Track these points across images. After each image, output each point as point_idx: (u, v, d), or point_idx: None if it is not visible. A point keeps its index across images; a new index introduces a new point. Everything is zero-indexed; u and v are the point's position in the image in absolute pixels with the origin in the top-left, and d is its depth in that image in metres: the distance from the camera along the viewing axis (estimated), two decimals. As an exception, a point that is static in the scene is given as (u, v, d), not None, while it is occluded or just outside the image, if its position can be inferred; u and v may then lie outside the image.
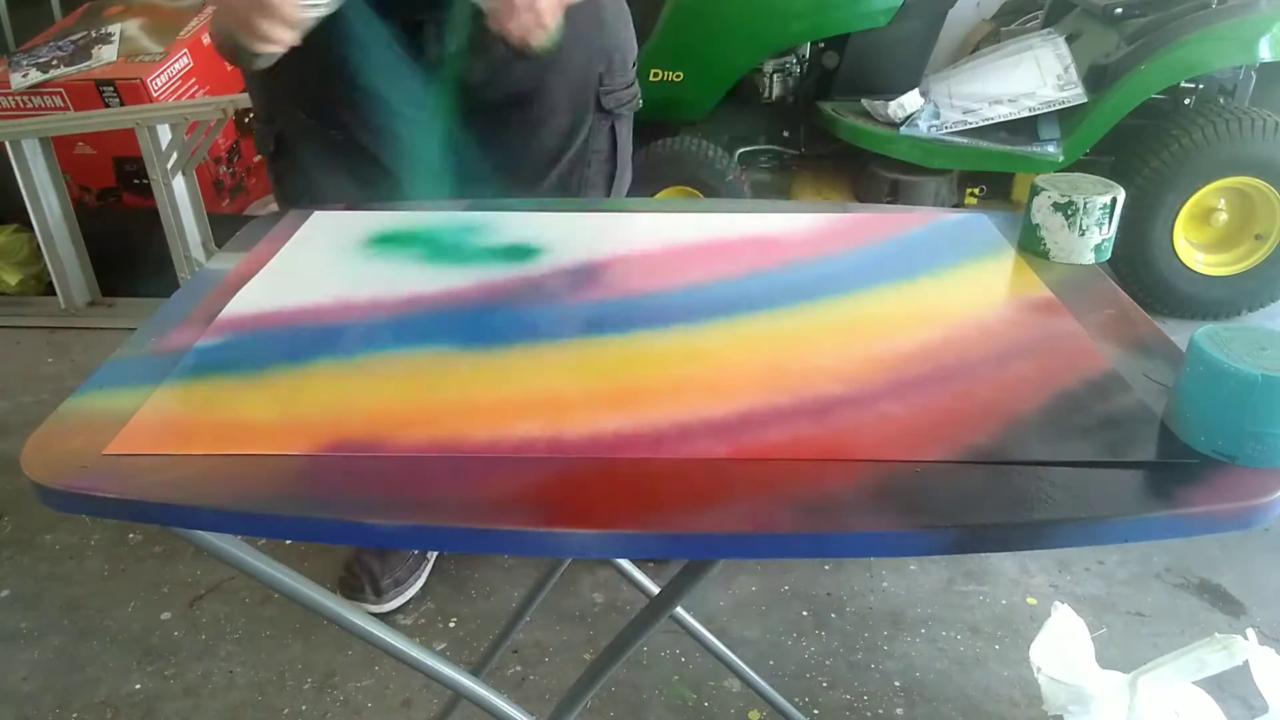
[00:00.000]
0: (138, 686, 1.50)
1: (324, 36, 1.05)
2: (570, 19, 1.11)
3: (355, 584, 1.61)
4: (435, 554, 1.72)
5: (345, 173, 1.22)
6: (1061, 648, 1.28)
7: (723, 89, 2.80)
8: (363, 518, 0.54)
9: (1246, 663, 1.15)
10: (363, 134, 1.20)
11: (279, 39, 0.94)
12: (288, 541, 1.75)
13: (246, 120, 3.10)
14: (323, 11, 0.95)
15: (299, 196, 1.21)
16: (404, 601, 1.64)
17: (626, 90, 1.31)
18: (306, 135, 1.24)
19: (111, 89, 2.74)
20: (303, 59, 0.99)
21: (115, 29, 2.91)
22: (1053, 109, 2.52)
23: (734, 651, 1.30)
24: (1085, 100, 2.49)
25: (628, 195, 1.40)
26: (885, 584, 1.68)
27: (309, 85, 1.17)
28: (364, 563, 1.63)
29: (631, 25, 1.33)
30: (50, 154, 2.53)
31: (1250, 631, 1.17)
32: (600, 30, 1.25)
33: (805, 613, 1.62)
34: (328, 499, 0.56)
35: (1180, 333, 2.30)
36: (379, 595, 1.61)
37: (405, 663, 0.75)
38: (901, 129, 2.58)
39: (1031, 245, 0.89)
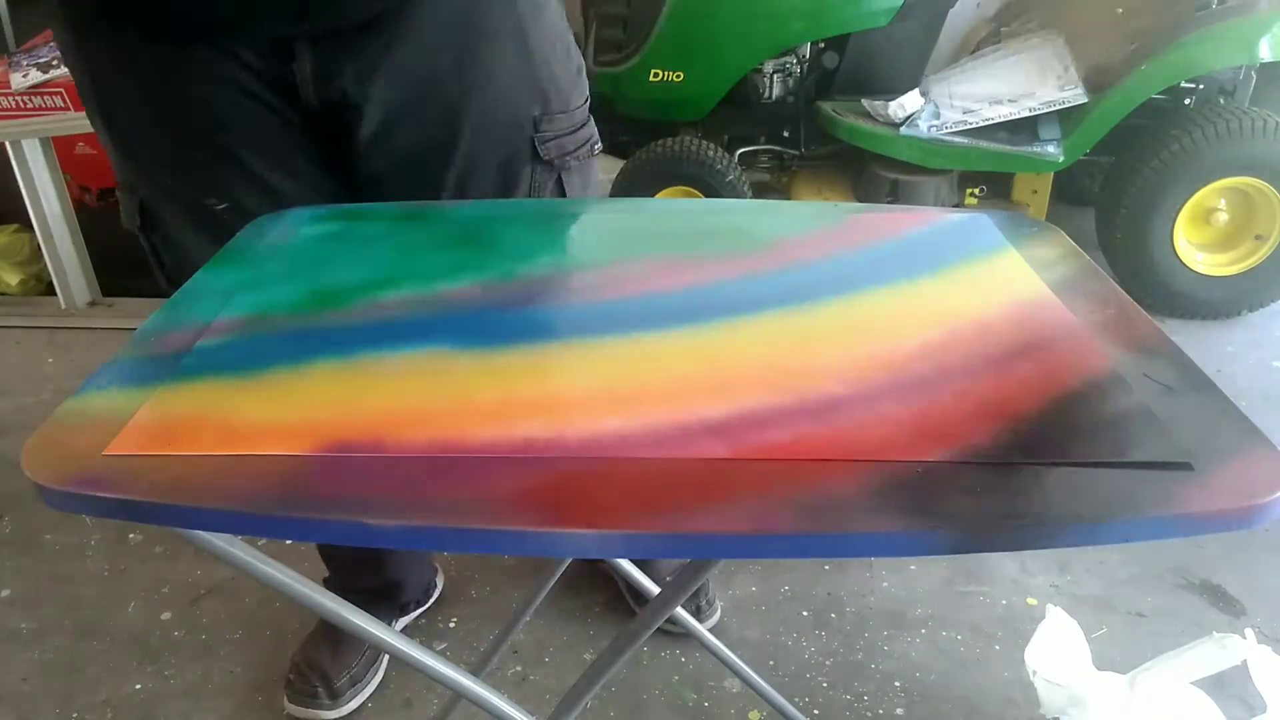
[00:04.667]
0: (138, 686, 1.50)
1: (175, 81, 0.90)
2: (487, 48, 0.93)
3: (306, 688, 1.39)
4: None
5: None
6: (1056, 650, 1.28)
7: (723, 89, 2.80)
8: (363, 518, 0.54)
9: (1245, 662, 1.15)
10: (242, 199, 0.99)
11: None
12: (288, 541, 1.75)
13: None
14: None
15: (182, 274, 0.86)
16: (363, 700, 1.44)
17: (572, 135, 1.06)
18: (175, 203, 1.03)
19: (111, 89, 2.74)
20: (154, 111, 0.88)
21: (115, 29, 2.90)
22: (1053, 109, 2.52)
23: (734, 651, 1.30)
24: (1085, 100, 2.49)
25: (628, 195, 1.39)
26: (885, 584, 1.68)
27: (167, 144, 0.97)
28: (313, 661, 1.42)
29: (574, 49, 1.07)
30: (50, 154, 2.53)
31: (1249, 631, 1.17)
32: (526, 61, 1.00)
33: (805, 613, 1.62)
34: (328, 499, 0.56)
35: (1180, 333, 2.28)
36: (334, 698, 1.40)
37: (405, 663, 0.75)
38: (901, 129, 2.58)
39: None
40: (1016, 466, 0.58)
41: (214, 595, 1.67)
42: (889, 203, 2.68)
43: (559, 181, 1.07)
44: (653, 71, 2.77)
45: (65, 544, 1.81)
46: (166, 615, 1.64)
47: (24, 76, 2.77)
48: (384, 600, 1.53)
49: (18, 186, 2.48)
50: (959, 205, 2.76)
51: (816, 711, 1.44)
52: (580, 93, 1.08)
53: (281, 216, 1.02)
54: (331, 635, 1.46)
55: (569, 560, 1.38)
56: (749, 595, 1.66)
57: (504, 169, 1.03)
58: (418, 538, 0.57)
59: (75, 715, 1.45)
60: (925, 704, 1.45)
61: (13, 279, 2.76)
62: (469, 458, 0.60)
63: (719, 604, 1.60)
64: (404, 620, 1.58)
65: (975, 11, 3.51)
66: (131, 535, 1.82)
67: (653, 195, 2.61)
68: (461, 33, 0.93)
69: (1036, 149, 2.54)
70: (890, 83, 2.78)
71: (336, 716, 1.41)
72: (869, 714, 1.43)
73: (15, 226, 2.76)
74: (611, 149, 3.24)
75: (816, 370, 0.69)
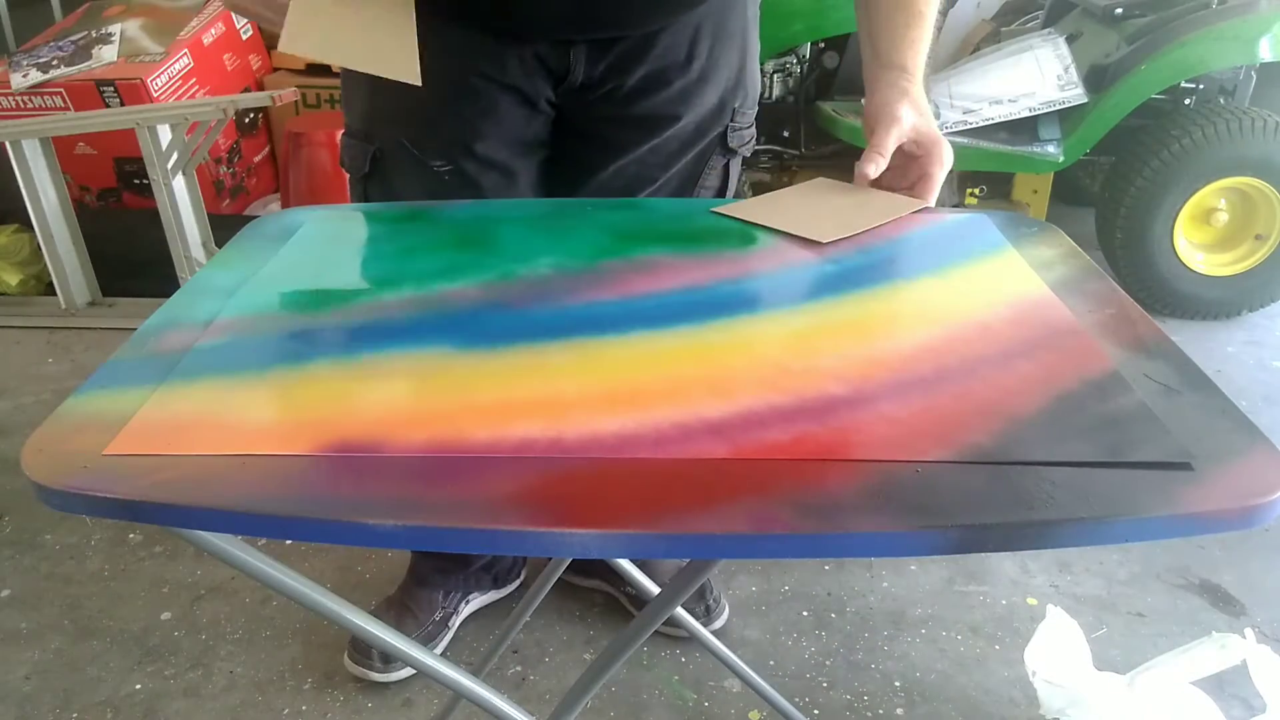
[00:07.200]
0: (138, 686, 1.50)
1: (447, 60, 1.02)
2: (718, 49, 1.13)
3: (363, 649, 1.49)
4: (467, 608, 1.61)
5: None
6: (1056, 650, 1.28)
7: (722, 89, 2.80)
8: (363, 518, 0.54)
9: (1245, 662, 1.15)
10: (468, 168, 1.15)
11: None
12: (288, 541, 1.75)
13: (247, 120, 3.11)
14: None
15: None
16: (411, 674, 1.49)
17: (748, 129, 1.25)
18: (404, 160, 1.16)
19: (111, 89, 2.74)
20: (434, 76, 0.93)
21: (115, 29, 2.91)
22: (1053, 109, 2.52)
23: (734, 651, 1.30)
24: (1085, 100, 2.49)
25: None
26: (885, 584, 1.68)
27: (419, 108, 1.08)
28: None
29: (758, 59, 1.26)
30: (50, 154, 2.53)
31: (1249, 631, 1.17)
32: (743, 64, 1.20)
33: (805, 613, 1.62)
34: (328, 499, 0.56)
35: (1180, 333, 2.28)
36: (386, 663, 1.48)
37: (405, 663, 0.75)
38: (901, 129, 2.57)
39: None
40: (1016, 466, 0.58)
41: (214, 595, 1.67)
42: (889, 203, 2.67)
43: (726, 167, 1.24)
44: (653, 71, 2.77)
45: (65, 544, 1.81)
46: (166, 615, 1.64)
47: (24, 76, 2.77)
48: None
49: (18, 186, 2.48)
50: (959, 205, 2.75)
51: (816, 711, 1.44)
52: (756, 97, 1.25)
53: (281, 216, 1.02)
54: (397, 607, 1.53)
55: (569, 560, 1.38)
56: (749, 595, 1.66)
57: (700, 149, 1.21)
58: (418, 538, 0.57)
59: (75, 715, 1.45)
60: (925, 704, 1.45)
61: (13, 279, 2.76)
62: (469, 458, 0.60)
63: (726, 604, 1.60)
64: (482, 599, 1.61)
65: (975, 11, 3.51)
66: (131, 535, 1.82)
67: (653, 195, 2.60)
68: (707, 33, 1.13)
69: (1036, 149, 2.54)
70: (890, 83, 2.77)
71: (385, 680, 1.49)
72: (869, 714, 1.43)
73: (15, 226, 2.76)
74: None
75: (816, 370, 0.69)
